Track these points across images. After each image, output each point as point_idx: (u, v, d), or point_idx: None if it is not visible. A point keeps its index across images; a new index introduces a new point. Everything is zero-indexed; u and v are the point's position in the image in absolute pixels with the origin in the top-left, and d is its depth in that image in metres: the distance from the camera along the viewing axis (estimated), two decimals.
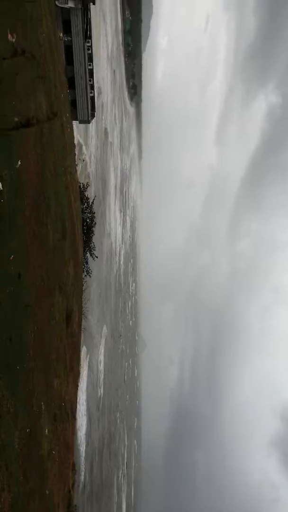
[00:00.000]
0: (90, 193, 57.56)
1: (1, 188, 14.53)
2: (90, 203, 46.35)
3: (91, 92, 50.52)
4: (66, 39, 44.73)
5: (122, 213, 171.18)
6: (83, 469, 64.62)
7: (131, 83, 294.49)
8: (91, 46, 48.30)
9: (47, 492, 17.65)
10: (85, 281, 45.03)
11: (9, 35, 15.41)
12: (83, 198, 44.86)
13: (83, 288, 41.52)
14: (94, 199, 49.97)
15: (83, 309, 40.95)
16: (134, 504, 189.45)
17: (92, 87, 50.90)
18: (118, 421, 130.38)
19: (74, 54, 46.37)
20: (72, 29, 44.92)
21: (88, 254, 45.97)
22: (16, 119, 15.60)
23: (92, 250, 47.34)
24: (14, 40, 15.76)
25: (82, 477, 64.01)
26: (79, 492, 56.44)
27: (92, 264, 52.01)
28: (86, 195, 46.66)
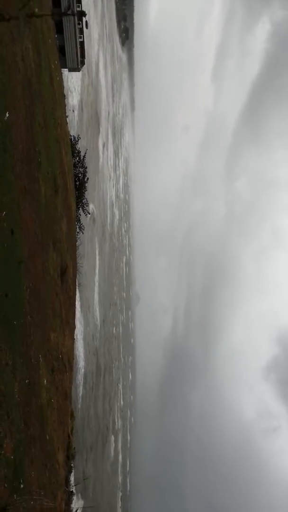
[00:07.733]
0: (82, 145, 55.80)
1: None
2: (82, 157, 45.00)
3: (80, 37, 47.71)
4: None
5: (115, 163, 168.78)
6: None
7: (122, 27, 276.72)
8: None
9: (47, 437, 18.64)
10: (79, 237, 44.85)
11: None
12: (75, 152, 43.57)
13: (77, 244, 41.53)
14: (86, 153, 48.49)
15: (77, 264, 41.23)
16: (130, 440, 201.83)
17: (81, 31, 48.00)
18: (117, 362, 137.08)
19: None
20: None
21: (80, 210, 45.38)
22: None
23: (85, 206, 46.66)
24: None
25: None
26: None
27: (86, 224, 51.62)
28: (78, 148, 45.27)
